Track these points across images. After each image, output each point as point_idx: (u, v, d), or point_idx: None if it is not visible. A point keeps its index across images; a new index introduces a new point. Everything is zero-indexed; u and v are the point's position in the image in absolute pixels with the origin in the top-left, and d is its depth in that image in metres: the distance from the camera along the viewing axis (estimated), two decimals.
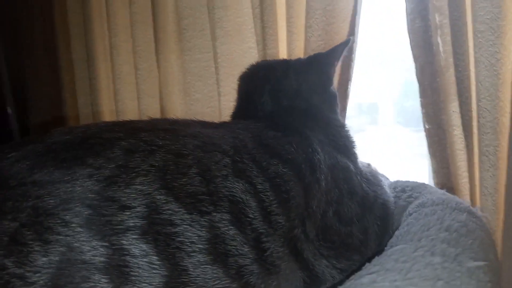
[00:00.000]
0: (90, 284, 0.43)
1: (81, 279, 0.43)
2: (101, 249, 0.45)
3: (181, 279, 0.48)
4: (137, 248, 0.46)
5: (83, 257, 0.44)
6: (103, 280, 0.44)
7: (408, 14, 1.05)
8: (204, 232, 0.51)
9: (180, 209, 0.50)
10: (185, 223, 0.50)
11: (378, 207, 0.72)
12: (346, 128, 0.84)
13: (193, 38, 1.49)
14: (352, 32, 1.16)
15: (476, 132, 0.98)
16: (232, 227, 0.53)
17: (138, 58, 1.62)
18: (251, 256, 0.53)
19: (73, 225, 0.45)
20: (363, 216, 0.70)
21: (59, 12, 1.86)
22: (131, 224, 0.47)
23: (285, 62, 0.93)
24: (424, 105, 1.05)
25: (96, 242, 0.45)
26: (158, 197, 0.50)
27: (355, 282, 0.47)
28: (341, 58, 0.95)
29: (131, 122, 0.61)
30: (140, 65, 1.61)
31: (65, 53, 1.87)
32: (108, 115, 1.74)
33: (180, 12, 1.50)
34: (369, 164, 0.97)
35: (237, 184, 0.56)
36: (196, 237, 0.50)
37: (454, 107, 1.02)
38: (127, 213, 0.47)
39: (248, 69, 0.93)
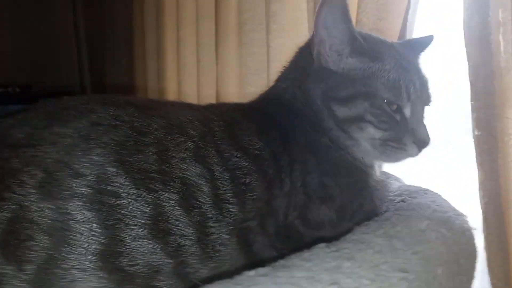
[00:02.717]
0: (32, 242, 0.48)
1: (26, 237, 0.48)
2: (48, 211, 0.49)
3: (117, 249, 0.50)
4: (81, 214, 0.50)
5: (30, 216, 0.48)
6: (45, 240, 0.48)
7: (465, 10, 0.96)
8: (148, 208, 0.53)
9: (128, 183, 0.53)
10: (130, 197, 0.52)
11: (362, 215, 0.67)
12: (338, 131, 0.71)
13: (251, 32, 1.51)
14: (404, 29, 1.09)
15: None
16: (178, 208, 0.54)
17: (201, 51, 1.68)
18: (193, 238, 0.54)
19: (27, 186, 0.50)
20: (339, 223, 0.65)
21: (137, 4, 1.99)
22: (79, 191, 0.50)
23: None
24: (475, 109, 0.95)
25: (44, 204, 0.49)
26: (110, 169, 0.52)
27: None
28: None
29: (111, 96, 0.64)
30: (202, 58, 1.67)
31: (140, 44, 2.00)
32: None
33: (241, 6, 1.52)
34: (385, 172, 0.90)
35: (193, 167, 0.57)
36: (139, 212, 0.52)
37: (511, 114, 0.91)
38: (77, 180, 0.51)
39: None
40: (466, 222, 0.63)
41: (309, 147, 0.69)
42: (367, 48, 0.72)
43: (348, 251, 0.47)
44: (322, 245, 0.50)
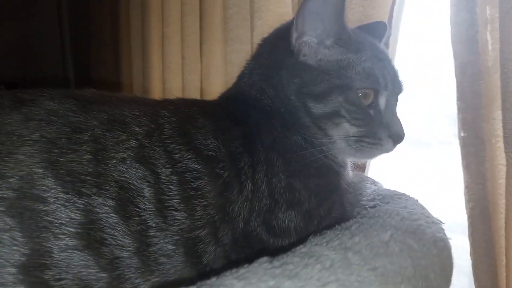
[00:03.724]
0: None
1: None
2: None
3: (42, 260, 0.46)
4: (1, 222, 0.45)
5: None
6: None
7: (452, 5, 0.92)
8: (78, 215, 0.48)
9: (56, 187, 0.48)
10: (58, 202, 0.47)
11: (330, 221, 0.63)
12: (315, 129, 0.68)
13: (236, 28, 1.46)
14: (390, 25, 1.05)
15: None
16: (114, 215, 0.49)
17: (186, 48, 1.63)
18: (131, 248, 0.50)
19: None
20: (306, 230, 0.61)
21: (123, 2, 1.95)
22: (0, 195, 0.46)
23: (271, 34, 0.78)
24: (461, 109, 0.91)
25: None
26: (36, 170, 0.47)
27: None
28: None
29: (52, 90, 0.58)
30: (187, 55, 1.63)
31: (126, 41, 1.95)
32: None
33: (226, 1, 1.48)
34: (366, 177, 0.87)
35: (134, 170, 0.52)
36: (68, 219, 0.47)
37: (498, 115, 0.87)
38: None
39: None
40: (440, 231, 0.58)
41: (277, 146, 0.64)
42: (352, 39, 0.69)
43: (292, 267, 0.42)
44: (264, 259, 0.45)
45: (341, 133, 0.67)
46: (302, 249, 0.48)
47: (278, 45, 0.71)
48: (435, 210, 0.72)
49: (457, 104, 0.92)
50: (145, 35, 1.80)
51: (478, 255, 0.90)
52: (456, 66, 0.92)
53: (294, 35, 0.68)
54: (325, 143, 0.67)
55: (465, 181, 0.91)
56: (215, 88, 1.56)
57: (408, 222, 0.55)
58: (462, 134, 0.91)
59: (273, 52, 0.72)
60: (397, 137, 0.68)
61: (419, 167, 1.59)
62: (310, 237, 0.52)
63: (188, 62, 1.62)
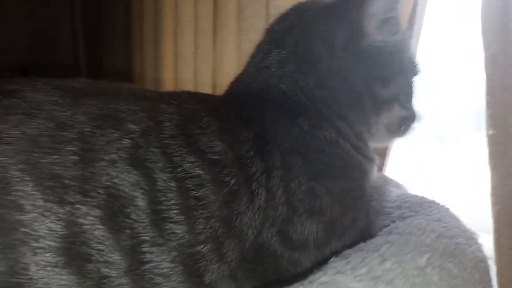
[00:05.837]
0: None
1: None
2: None
3: (17, 279, 0.40)
4: None
5: None
6: None
7: None
8: (59, 226, 0.41)
9: (35, 193, 0.41)
10: (36, 211, 0.41)
11: (354, 232, 0.57)
12: (366, 119, 0.64)
13: (250, 17, 1.41)
14: (414, 14, 0.99)
15: None
16: (101, 227, 0.43)
17: (199, 37, 1.58)
18: (121, 266, 0.43)
19: None
20: (327, 243, 0.55)
21: None
22: None
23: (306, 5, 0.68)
24: (490, 105, 0.85)
25: None
26: (14, 173, 0.41)
27: None
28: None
29: (39, 80, 0.52)
30: (200, 45, 1.58)
31: (138, 30, 1.91)
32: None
33: None
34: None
35: (126, 174, 0.45)
36: (47, 231, 0.41)
37: None
38: None
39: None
40: (480, 249, 0.50)
41: (298, 146, 0.57)
42: (399, 19, 0.67)
43: None
44: None
45: (390, 116, 0.67)
46: (322, 277, 0.40)
47: (331, 28, 0.62)
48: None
49: (486, 99, 0.85)
50: (158, 22, 1.76)
51: (503, 262, 0.84)
52: (486, 58, 0.85)
53: (358, 15, 0.61)
54: (372, 130, 0.66)
55: (492, 182, 0.85)
56: (228, 79, 1.51)
57: (446, 240, 0.47)
58: (490, 132, 0.85)
59: (322, 37, 0.63)
60: (418, 118, 0.70)
61: (439, 162, 1.54)
62: (332, 259, 0.46)
63: (201, 51, 1.57)
